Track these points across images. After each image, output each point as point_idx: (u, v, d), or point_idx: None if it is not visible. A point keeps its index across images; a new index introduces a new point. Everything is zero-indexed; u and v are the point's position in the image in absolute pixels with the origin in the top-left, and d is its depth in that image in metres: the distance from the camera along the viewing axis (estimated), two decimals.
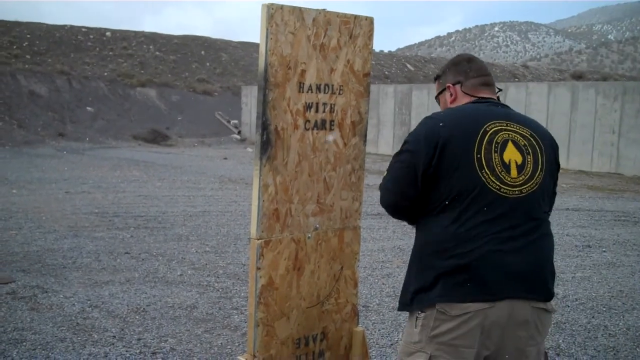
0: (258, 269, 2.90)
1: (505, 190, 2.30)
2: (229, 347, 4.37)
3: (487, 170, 2.30)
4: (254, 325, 2.91)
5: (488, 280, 2.24)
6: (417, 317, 2.33)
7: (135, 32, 33.62)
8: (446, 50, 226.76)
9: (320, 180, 3.06)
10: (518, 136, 2.37)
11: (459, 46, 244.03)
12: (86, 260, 6.72)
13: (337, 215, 3.15)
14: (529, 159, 2.35)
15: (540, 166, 2.36)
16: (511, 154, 2.33)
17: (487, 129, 2.34)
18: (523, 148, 2.36)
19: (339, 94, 3.08)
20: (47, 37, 29.97)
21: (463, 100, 2.54)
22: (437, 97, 2.70)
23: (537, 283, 2.31)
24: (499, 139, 2.34)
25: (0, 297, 5.38)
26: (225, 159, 19.40)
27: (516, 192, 2.30)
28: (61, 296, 5.42)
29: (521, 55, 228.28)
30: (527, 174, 2.34)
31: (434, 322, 2.27)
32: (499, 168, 2.30)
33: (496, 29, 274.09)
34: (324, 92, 3.02)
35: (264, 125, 2.82)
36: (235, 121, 28.32)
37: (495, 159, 2.31)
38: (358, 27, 3.01)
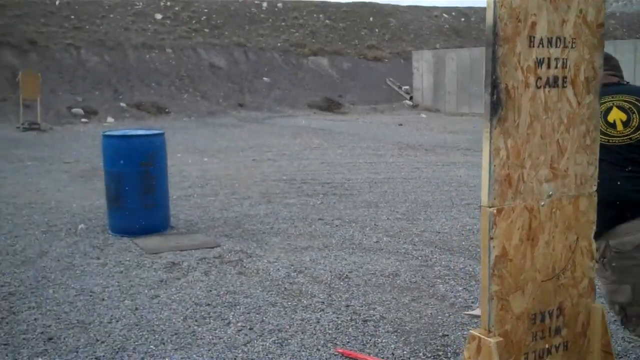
0: (491, 238, 2.73)
1: (615, 141, 3.13)
2: (439, 317, 4.24)
3: None
4: (488, 299, 2.75)
5: (618, 205, 3.08)
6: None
7: (305, 2, 34.01)
8: None
9: (553, 142, 2.82)
10: (621, 102, 3.19)
11: None
12: (283, 225, 6.85)
13: (571, 181, 2.90)
14: (635, 116, 3.14)
15: None
16: (614, 115, 3.17)
17: None
18: (628, 110, 3.15)
19: (572, 47, 2.82)
20: (223, 11, 31.04)
21: None
22: None
23: None
24: (604, 107, 3.08)
25: (209, 260, 5.59)
26: (400, 125, 19.25)
27: (626, 139, 3.12)
28: (265, 261, 5.54)
29: None
30: (634, 126, 3.12)
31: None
32: (605, 127, 3.12)
33: None
34: (556, 46, 2.77)
35: (493, 84, 2.63)
36: (407, 87, 28.03)
37: (600, 124, 2.83)
38: None
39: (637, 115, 3.14)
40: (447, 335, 3.96)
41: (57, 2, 26.83)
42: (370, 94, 27.26)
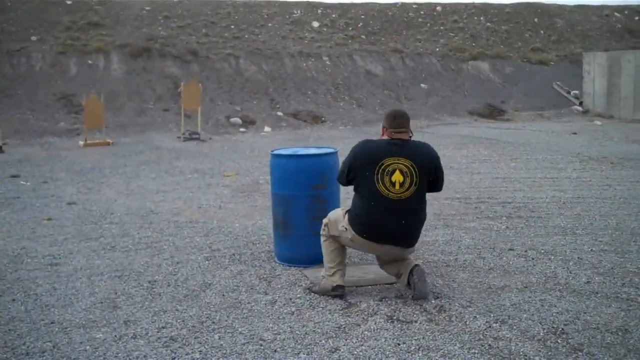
0: None
1: (392, 195, 4.65)
2: None
3: (381, 184, 4.64)
4: None
5: (375, 234, 4.75)
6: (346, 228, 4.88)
7: (466, 4, 32.63)
8: None
9: None
10: (402, 166, 4.65)
11: None
12: (468, 257, 5.96)
13: None
14: (407, 179, 4.65)
15: (414, 182, 4.66)
16: (396, 177, 4.63)
17: (384, 162, 4.65)
18: (404, 173, 4.64)
19: None
20: (380, 17, 30.39)
21: (385, 135, 4.85)
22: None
23: (402, 238, 4.80)
24: (391, 168, 4.64)
25: (390, 300, 4.82)
26: (575, 133, 17.64)
27: (398, 196, 4.65)
28: (457, 305, 4.68)
29: None
30: (405, 188, 4.65)
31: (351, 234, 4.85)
32: (388, 184, 4.64)
33: None
34: None
35: None
36: (576, 91, 26.06)
37: (385, 179, 4.64)
38: None
39: (409, 178, 4.65)
40: None
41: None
42: (534, 100, 25.61)
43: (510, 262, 5.77)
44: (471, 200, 8.64)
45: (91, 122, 17.34)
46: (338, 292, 4.86)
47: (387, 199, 4.62)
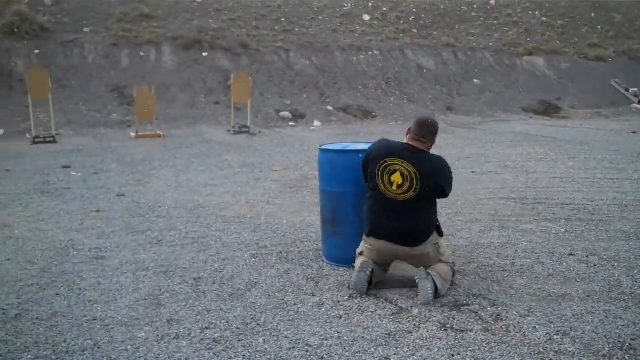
0: None
1: (388, 194, 4.80)
2: None
3: (381, 180, 4.81)
4: None
5: (376, 231, 4.89)
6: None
7: None
8: None
9: None
10: (405, 169, 4.72)
11: None
12: (525, 262, 5.68)
13: None
14: (406, 183, 4.72)
15: (413, 188, 4.71)
16: (395, 178, 4.74)
17: (387, 161, 4.78)
18: (405, 176, 4.72)
19: None
20: (432, 10, 29.95)
21: (406, 137, 4.95)
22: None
23: (397, 237, 4.81)
24: (392, 167, 4.75)
25: (443, 306, 4.58)
26: (634, 132, 17.03)
27: (394, 196, 4.78)
28: (514, 313, 4.42)
29: None
30: (403, 190, 4.74)
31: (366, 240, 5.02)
32: (387, 182, 4.79)
33: None
34: None
35: None
36: (635, 89, 25.26)
37: (385, 177, 4.79)
38: None
39: (408, 183, 4.72)
40: None
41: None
42: (591, 97, 24.89)
43: (571, 268, 5.47)
44: (528, 201, 8.31)
45: (142, 114, 17.42)
46: (365, 265, 4.88)
47: (384, 196, 4.82)
